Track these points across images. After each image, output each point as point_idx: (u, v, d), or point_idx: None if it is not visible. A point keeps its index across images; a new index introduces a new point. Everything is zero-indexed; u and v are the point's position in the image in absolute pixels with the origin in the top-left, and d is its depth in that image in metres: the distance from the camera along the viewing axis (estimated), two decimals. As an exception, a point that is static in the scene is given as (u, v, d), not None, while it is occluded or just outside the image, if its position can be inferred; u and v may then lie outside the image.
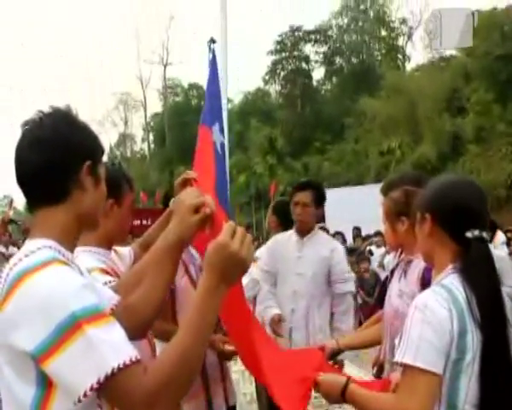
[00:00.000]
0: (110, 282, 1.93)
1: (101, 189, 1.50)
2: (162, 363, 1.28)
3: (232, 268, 1.34)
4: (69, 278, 1.27)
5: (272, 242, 4.19)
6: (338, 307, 3.92)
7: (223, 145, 3.10)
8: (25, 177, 1.41)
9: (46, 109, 1.43)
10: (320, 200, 3.92)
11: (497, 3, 26.51)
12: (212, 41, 3.17)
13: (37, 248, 1.32)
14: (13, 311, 1.24)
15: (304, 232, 3.95)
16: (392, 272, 2.63)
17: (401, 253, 2.60)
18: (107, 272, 2.10)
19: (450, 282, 1.69)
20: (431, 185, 1.87)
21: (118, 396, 1.23)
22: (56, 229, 1.39)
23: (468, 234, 1.70)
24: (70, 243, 1.43)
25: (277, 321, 3.77)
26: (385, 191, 2.54)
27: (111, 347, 1.21)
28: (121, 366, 1.20)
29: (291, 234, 4.02)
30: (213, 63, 3.07)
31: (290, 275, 3.90)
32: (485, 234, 1.71)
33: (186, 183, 2.03)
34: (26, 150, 1.39)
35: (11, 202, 6.31)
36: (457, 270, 1.71)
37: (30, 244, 1.35)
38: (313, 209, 3.89)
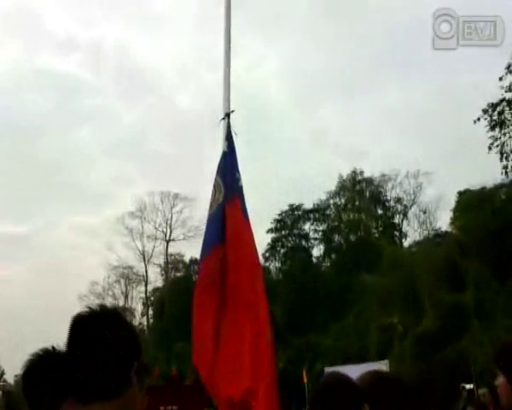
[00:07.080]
0: None
1: (142, 388, 1.49)
2: None
3: None
4: None
5: None
6: None
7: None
8: (83, 372, 1.38)
9: (94, 306, 1.45)
10: None
11: (488, 180, 27.74)
12: (227, 115, 2.86)
13: None
14: None
15: None
16: None
17: None
18: None
19: None
20: None
21: None
22: None
23: None
24: None
25: None
26: None
27: None
28: None
29: None
30: (230, 138, 2.91)
31: None
32: None
33: None
34: (84, 347, 1.39)
35: (1, 373, 6.16)
36: None
37: None
38: None
